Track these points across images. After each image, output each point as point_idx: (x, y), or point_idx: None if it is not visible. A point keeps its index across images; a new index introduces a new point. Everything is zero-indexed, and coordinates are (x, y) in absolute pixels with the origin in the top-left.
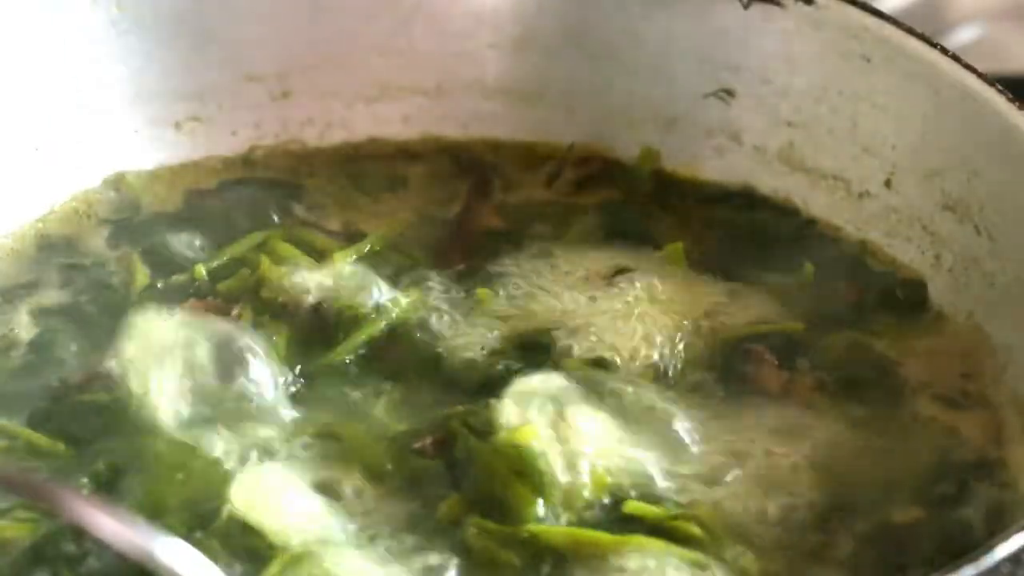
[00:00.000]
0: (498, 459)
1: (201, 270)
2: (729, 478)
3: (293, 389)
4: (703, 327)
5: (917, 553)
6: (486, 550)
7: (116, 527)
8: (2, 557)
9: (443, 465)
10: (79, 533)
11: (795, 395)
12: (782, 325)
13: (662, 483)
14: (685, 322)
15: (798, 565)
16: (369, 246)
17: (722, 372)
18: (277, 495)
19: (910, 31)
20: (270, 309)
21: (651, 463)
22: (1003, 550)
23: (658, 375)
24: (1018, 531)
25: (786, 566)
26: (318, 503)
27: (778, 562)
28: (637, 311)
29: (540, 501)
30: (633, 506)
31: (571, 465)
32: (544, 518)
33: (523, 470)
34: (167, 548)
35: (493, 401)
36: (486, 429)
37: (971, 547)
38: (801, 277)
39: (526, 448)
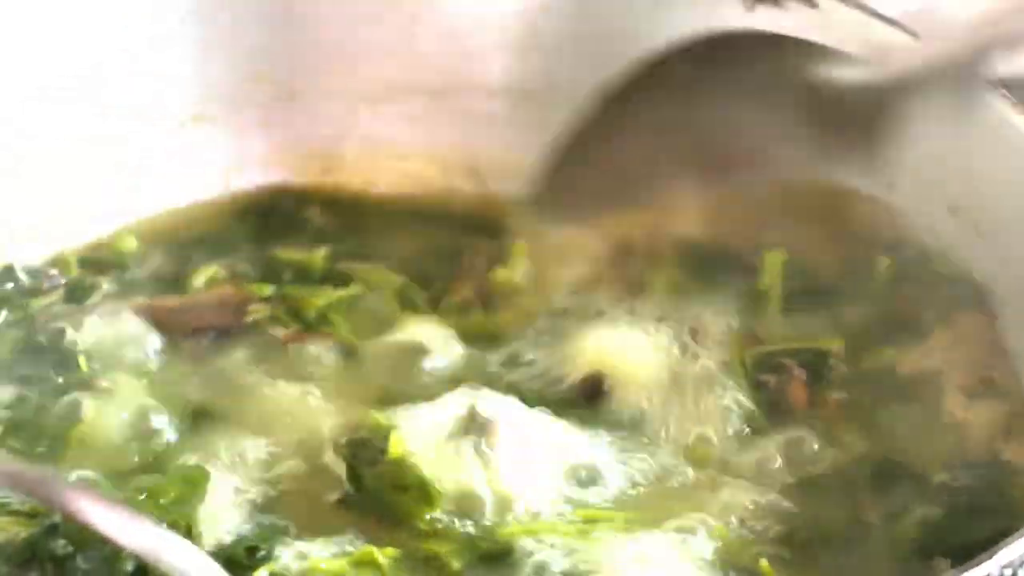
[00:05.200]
0: (381, 479)
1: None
2: (746, 482)
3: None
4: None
5: (923, 552)
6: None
7: (118, 522)
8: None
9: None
10: (72, 532)
11: (820, 411)
12: (819, 341)
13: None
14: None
15: (799, 557)
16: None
17: (750, 384)
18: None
19: (912, 33)
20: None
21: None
22: (1006, 556)
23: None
24: (1021, 536)
25: (788, 555)
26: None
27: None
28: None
29: (429, 511)
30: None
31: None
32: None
33: (405, 484)
34: (168, 543)
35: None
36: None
37: (977, 549)
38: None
39: (405, 462)
